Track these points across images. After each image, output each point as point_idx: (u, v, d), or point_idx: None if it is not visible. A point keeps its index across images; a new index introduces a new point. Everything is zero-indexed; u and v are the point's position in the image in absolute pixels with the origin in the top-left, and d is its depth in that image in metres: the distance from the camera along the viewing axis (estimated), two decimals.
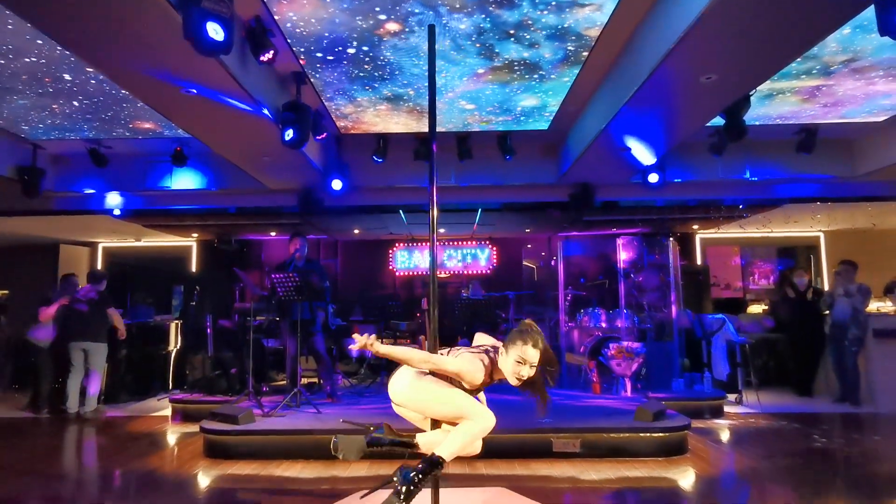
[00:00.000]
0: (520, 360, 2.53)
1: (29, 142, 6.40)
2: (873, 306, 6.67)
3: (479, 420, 2.49)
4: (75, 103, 5.39)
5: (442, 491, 2.65)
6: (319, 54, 4.57)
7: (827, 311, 6.74)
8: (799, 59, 4.51)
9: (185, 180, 7.15)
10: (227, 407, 4.78)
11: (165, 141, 6.53)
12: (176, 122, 5.07)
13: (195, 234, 9.80)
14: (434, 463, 2.45)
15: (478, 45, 4.45)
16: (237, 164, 6.27)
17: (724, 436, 5.03)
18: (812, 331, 6.93)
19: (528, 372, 2.53)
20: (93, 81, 4.92)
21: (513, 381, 2.57)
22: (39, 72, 4.70)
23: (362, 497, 2.67)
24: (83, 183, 7.22)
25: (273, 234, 9.87)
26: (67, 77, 4.82)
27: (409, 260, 10.41)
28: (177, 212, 7.73)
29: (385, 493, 2.44)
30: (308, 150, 5.88)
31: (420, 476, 2.39)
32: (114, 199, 7.49)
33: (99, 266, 10.14)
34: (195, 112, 4.70)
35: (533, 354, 2.53)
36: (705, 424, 5.44)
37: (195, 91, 4.20)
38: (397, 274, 10.36)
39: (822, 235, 10.04)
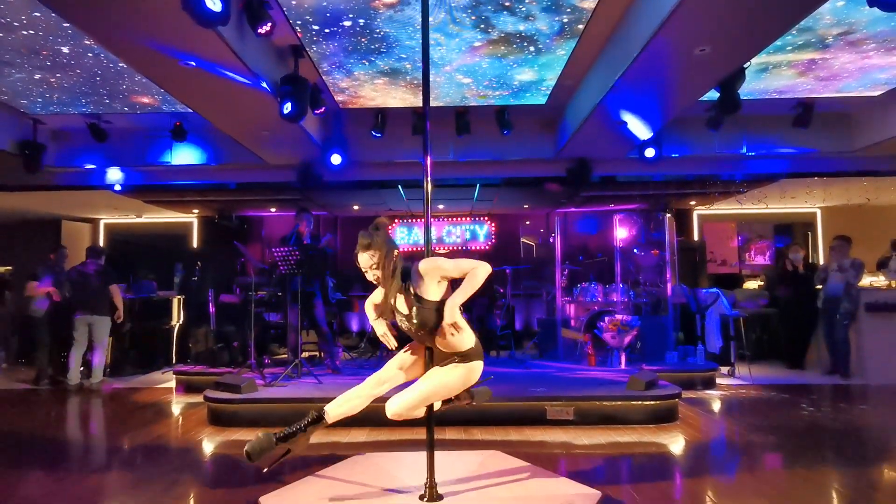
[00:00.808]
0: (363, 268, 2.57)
1: (29, 116, 6.43)
2: (866, 281, 6.76)
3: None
4: (73, 77, 5.40)
5: (438, 454, 2.76)
6: (316, 27, 4.58)
7: (820, 286, 6.84)
8: (793, 32, 4.52)
9: (185, 155, 7.18)
10: (229, 377, 4.89)
11: (165, 116, 6.55)
12: (175, 96, 5.09)
13: (196, 211, 9.85)
14: None
15: (473, 17, 4.46)
16: (236, 138, 6.30)
17: (715, 405, 5.16)
18: (805, 306, 7.03)
19: (372, 277, 2.54)
20: (90, 55, 4.92)
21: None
22: (37, 44, 4.71)
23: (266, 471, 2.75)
24: (83, 158, 7.26)
25: (273, 210, 9.92)
26: (65, 50, 4.82)
27: (408, 236, 10.48)
28: (177, 187, 7.78)
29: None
30: (307, 124, 5.92)
31: None
32: (114, 175, 7.54)
33: (101, 242, 10.23)
34: (194, 85, 4.72)
35: (360, 260, 2.53)
36: (697, 395, 5.58)
37: (194, 63, 4.23)
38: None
39: (818, 212, 10.09)
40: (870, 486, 3.00)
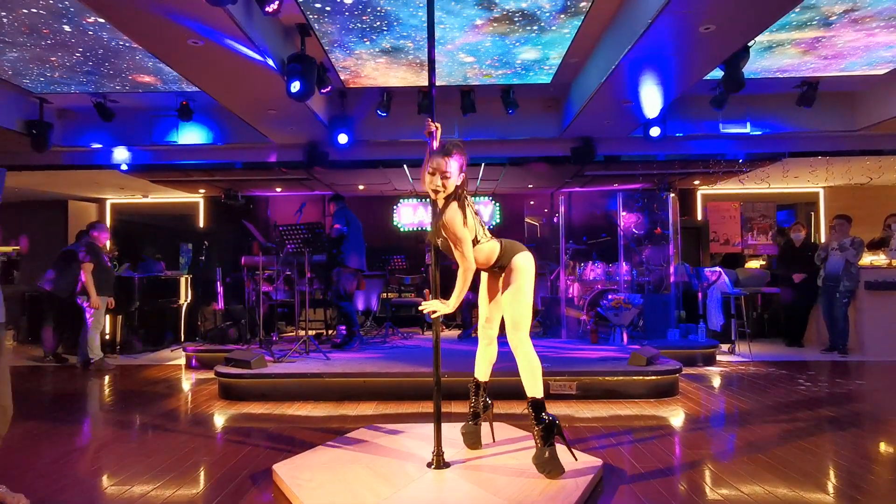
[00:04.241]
0: (431, 171, 2.61)
1: (35, 95, 6.46)
2: (866, 260, 6.81)
3: None
4: (76, 55, 5.40)
5: (445, 425, 2.84)
6: (318, 4, 4.58)
7: (821, 264, 6.91)
8: (797, 10, 4.51)
9: (191, 135, 7.22)
10: (239, 353, 5.01)
11: (171, 95, 6.58)
12: (182, 73, 5.10)
13: (202, 190, 9.91)
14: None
15: None
16: (243, 117, 6.33)
17: (715, 381, 5.26)
18: (806, 284, 7.09)
19: (438, 183, 2.58)
20: (90, 32, 4.91)
21: (431, 195, 2.69)
22: (39, 23, 4.72)
23: None
24: (90, 137, 7.31)
25: (279, 189, 9.97)
26: (67, 28, 4.83)
27: (413, 215, 10.55)
28: (183, 167, 7.83)
29: None
30: (313, 103, 5.94)
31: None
32: (121, 154, 7.59)
33: (108, 222, 10.31)
34: (201, 63, 4.75)
35: (437, 161, 2.58)
36: (697, 371, 5.69)
37: (202, 42, 4.25)
38: (402, 229, 10.52)
39: (821, 191, 10.10)
40: (865, 458, 3.10)
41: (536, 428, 2.63)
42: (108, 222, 10.33)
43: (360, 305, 8.68)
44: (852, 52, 5.53)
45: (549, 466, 2.58)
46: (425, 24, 4.70)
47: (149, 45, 4.52)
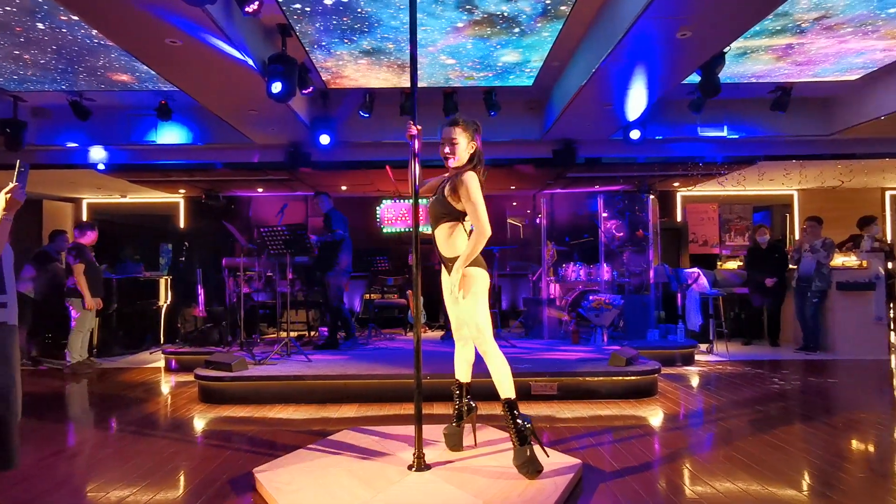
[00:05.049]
0: (441, 141, 2.81)
1: (9, 93, 6.33)
2: (838, 261, 6.99)
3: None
4: (49, 53, 5.30)
5: (426, 427, 2.86)
6: (298, 5, 4.55)
7: (794, 266, 7.07)
8: (772, 17, 4.62)
9: (170, 135, 7.13)
10: (220, 355, 4.96)
11: (149, 94, 6.49)
12: (161, 73, 5.04)
13: (182, 191, 9.79)
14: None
15: None
16: (224, 118, 6.28)
17: (693, 380, 5.35)
18: (775, 285, 7.26)
19: (446, 150, 2.79)
20: (64, 30, 4.82)
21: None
22: (11, 20, 4.63)
23: None
24: (66, 136, 7.18)
25: (260, 190, 9.89)
26: (40, 26, 4.74)
27: (396, 216, 10.53)
28: (163, 167, 7.73)
29: None
30: (294, 104, 5.92)
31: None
32: (98, 154, 7.46)
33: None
34: (180, 63, 4.69)
35: (445, 130, 2.79)
36: (676, 371, 5.78)
37: (180, 42, 4.21)
38: (385, 230, 10.50)
39: (796, 194, 10.32)
40: (836, 455, 3.19)
41: (513, 429, 2.67)
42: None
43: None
44: (824, 58, 5.67)
45: (529, 466, 2.61)
46: (407, 26, 4.71)
47: (125, 44, 4.45)
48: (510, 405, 2.71)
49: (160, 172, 8.01)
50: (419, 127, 2.84)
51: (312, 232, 6.12)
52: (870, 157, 7.65)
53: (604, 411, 4.20)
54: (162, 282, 8.09)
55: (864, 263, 6.83)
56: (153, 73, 5.38)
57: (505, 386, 2.74)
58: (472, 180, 2.68)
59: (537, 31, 5.08)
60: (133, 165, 7.65)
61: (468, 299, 2.75)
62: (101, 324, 7.09)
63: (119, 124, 7.12)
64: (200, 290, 7.00)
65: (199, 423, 4.02)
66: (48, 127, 7.15)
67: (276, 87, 4.81)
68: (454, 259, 2.78)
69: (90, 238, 6.28)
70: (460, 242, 2.79)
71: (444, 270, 2.93)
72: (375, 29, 4.99)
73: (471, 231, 2.76)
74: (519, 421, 2.69)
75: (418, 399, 2.78)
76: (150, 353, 7.20)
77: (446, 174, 2.90)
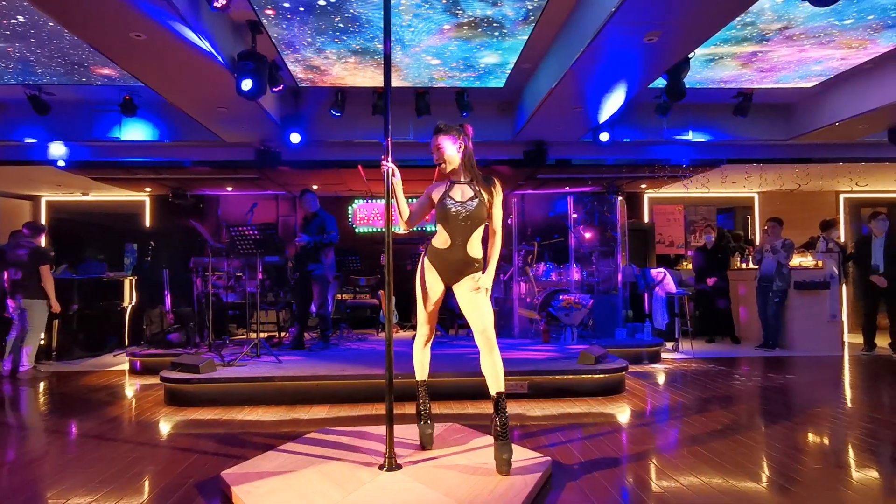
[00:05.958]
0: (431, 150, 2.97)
1: None
2: (796, 261, 7.25)
3: None
4: (2, 43, 5.11)
5: (397, 427, 2.87)
6: (272, 6, 4.51)
7: (757, 266, 7.30)
8: (737, 26, 4.78)
9: (135, 131, 6.95)
10: (187, 357, 4.86)
11: (113, 89, 6.32)
12: (125, 68, 4.91)
13: (148, 189, 9.55)
14: None
15: (444, 0, 4.49)
16: (192, 115, 6.15)
17: (659, 378, 5.48)
18: (718, 284, 7.52)
19: (438, 157, 2.94)
20: (21, 18, 4.66)
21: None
22: None
23: None
24: (23, 131, 6.93)
25: (229, 188, 9.72)
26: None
27: (368, 216, 10.48)
28: (127, 164, 7.53)
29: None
30: (265, 102, 5.84)
31: None
32: (57, 150, 7.23)
33: (43, 221, 9.78)
34: (146, 58, 4.59)
35: (433, 139, 2.94)
36: (643, 369, 5.91)
37: (145, 36, 4.11)
38: (357, 230, 10.44)
39: (756, 196, 10.66)
40: (794, 448, 3.31)
41: (502, 421, 2.75)
42: (43, 221, 9.81)
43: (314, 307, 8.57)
44: (786, 65, 5.88)
45: (510, 460, 2.69)
46: (381, 25, 4.71)
47: (87, 37, 4.32)
48: (504, 398, 2.81)
49: (125, 170, 7.79)
50: (394, 167, 2.89)
51: (299, 230, 6.12)
52: (825, 161, 7.97)
53: (573, 409, 4.26)
54: (126, 282, 7.87)
55: (820, 264, 7.11)
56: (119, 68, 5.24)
57: (503, 379, 2.85)
58: (501, 190, 2.94)
59: (517, 34, 5.14)
60: (96, 162, 7.43)
61: (486, 298, 2.90)
62: (61, 326, 6.86)
63: (80, 119, 6.91)
64: (167, 291, 6.85)
65: (165, 427, 3.93)
66: (4, 121, 6.89)
67: (247, 84, 4.74)
68: (479, 259, 2.94)
69: (41, 240, 6.18)
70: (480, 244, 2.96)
71: (443, 272, 2.97)
72: (351, 28, 4.96)
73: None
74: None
75: (389, 399, 2.78)
76: (114, 356, 7.01)
77: (435, 182, 3.03)
